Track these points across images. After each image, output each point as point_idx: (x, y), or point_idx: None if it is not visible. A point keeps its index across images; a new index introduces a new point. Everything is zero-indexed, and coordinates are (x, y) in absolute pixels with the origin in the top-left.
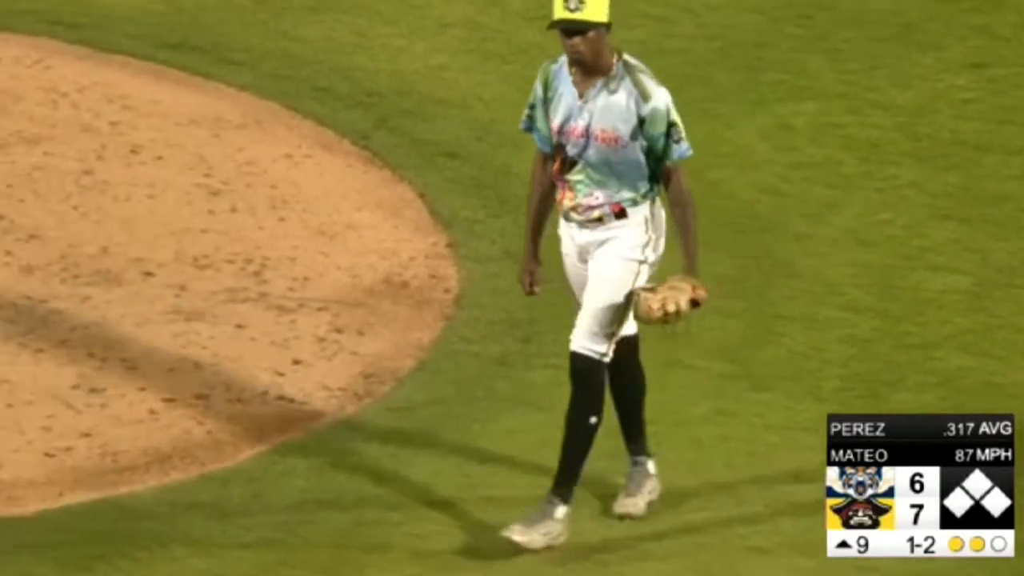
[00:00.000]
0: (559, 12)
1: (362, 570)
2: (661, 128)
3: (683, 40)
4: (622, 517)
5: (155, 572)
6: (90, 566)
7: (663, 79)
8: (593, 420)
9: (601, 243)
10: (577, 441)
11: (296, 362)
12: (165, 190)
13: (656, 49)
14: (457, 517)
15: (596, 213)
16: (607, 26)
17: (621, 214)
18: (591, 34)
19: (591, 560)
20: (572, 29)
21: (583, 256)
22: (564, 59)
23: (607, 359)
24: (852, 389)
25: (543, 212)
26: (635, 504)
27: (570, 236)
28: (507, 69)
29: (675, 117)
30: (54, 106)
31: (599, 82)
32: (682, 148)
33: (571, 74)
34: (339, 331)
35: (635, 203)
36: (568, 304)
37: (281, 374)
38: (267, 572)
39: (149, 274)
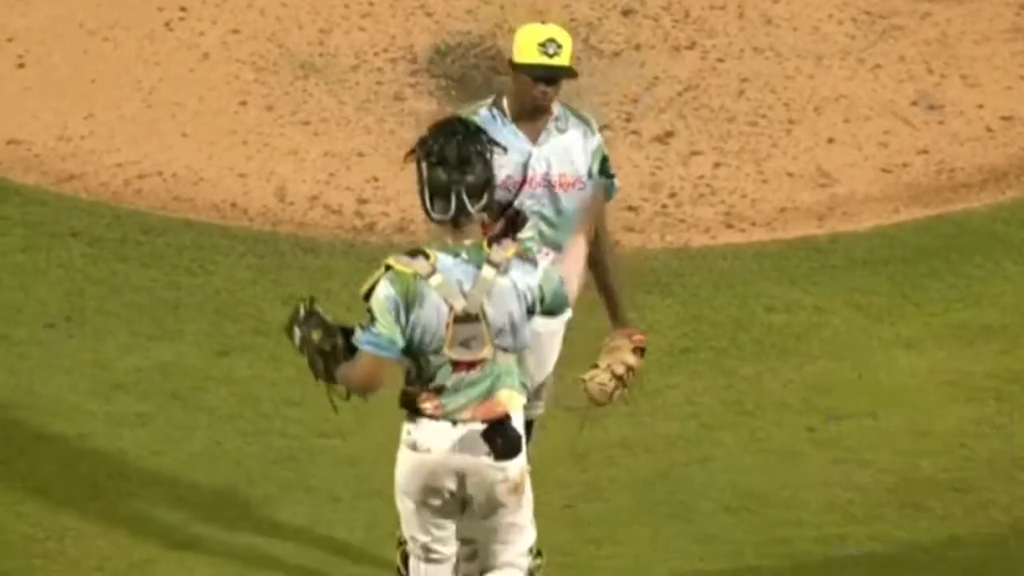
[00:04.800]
0: (537, 57)
1: None
2: (599, 160)
3: None
4: None
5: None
6: (921, 284)
7: None
8: None
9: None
10: None
11: None
12: None
13: None
14: None
15: None
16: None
17: None
18: (562, 81)
19: None
20: (553, 77)
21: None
22: (485, 107)
23: None
24: None
25: None
26: None
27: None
28: None
29: (606, 149)
30: None
31: (549, 124)
32: (617, 183)
33: (511, 120)
34: None
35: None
36: None
37: None
38: None
39: None
